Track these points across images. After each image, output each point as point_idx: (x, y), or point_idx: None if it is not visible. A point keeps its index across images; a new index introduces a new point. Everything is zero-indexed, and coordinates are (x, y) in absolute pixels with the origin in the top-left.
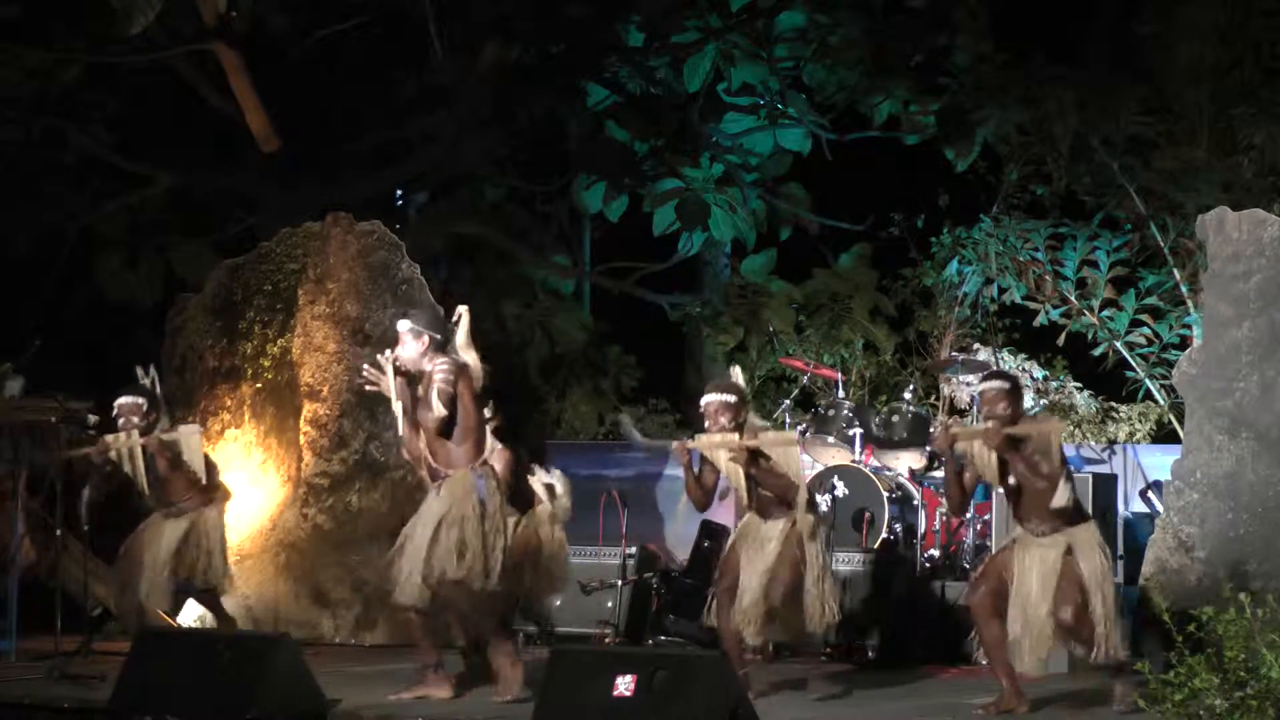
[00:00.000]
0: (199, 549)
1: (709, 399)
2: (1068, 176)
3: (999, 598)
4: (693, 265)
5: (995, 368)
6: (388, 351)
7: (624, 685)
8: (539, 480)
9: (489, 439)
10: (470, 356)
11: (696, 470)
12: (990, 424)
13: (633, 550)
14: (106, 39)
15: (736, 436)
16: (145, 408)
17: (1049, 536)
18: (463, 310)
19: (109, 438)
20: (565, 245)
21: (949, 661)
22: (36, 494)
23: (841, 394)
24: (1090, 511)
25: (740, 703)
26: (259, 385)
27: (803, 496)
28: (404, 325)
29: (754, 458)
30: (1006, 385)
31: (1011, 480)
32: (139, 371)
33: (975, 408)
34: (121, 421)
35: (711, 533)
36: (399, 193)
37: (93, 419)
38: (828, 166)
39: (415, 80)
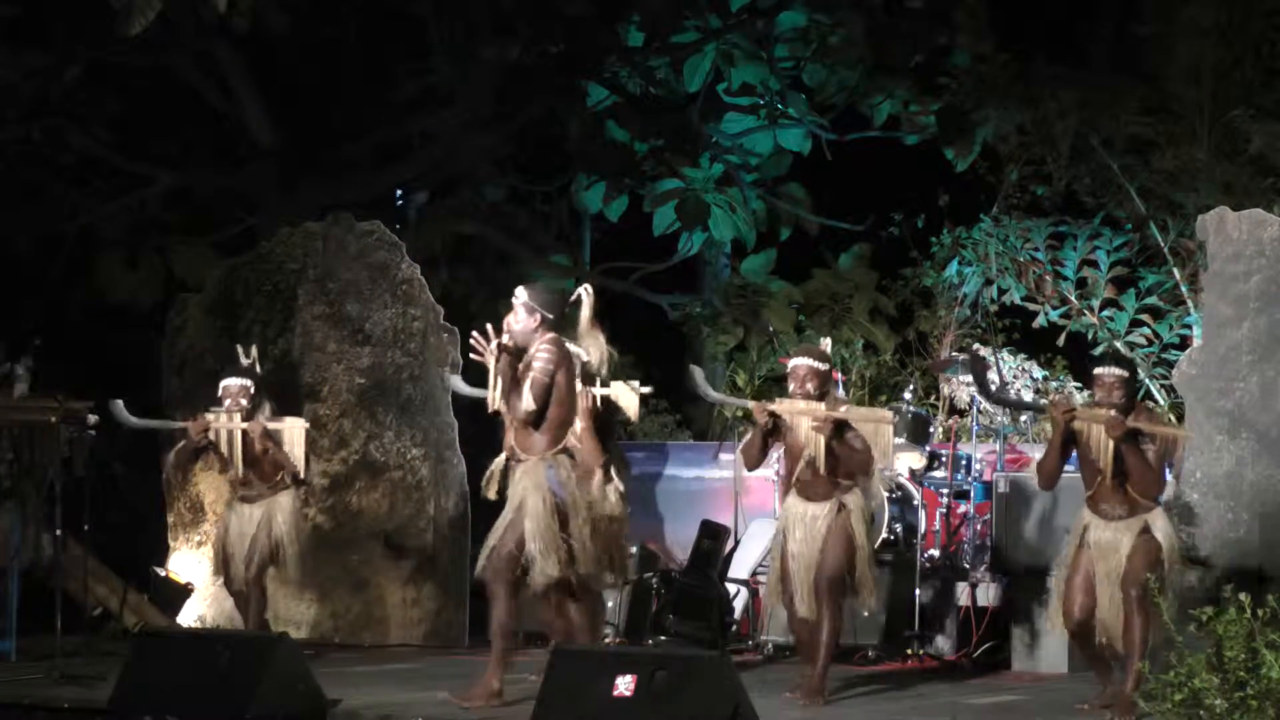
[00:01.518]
0: (274, 534)
1: (799, 362)
2: (1068, 176)
3: (1089, 615)
4: (693, 265)
5: (1112, 351)
6: (508, 320)
7: (624, 685)
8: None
9: (577, 425)
10: (592, 341)
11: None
12: (1114, 413)
13: (633, 550)
14: (106, 39)
15: (822, 406)
16: (251, 389)
17: (1123, 521)
18: (584, 291)
19: (210, 417)
20: (565, 245)
21: (948, 661)
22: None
23: (842, 394)
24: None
25: (740, 703)
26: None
27: (877, 470)
28: (520, 296)
29: (838, 430)
30: (1125, 373)
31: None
32: (240, 352)
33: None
34: (228, 403)
35: (711, 533)
36: (399, 193)
37: (93, 419)
38: (828, 166)
39: (415, 80)
